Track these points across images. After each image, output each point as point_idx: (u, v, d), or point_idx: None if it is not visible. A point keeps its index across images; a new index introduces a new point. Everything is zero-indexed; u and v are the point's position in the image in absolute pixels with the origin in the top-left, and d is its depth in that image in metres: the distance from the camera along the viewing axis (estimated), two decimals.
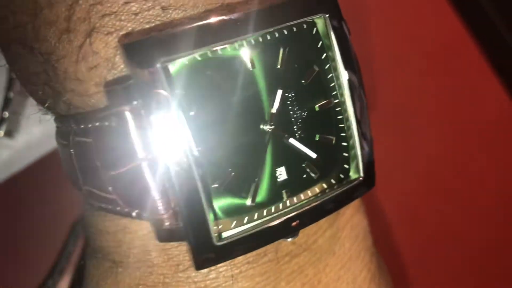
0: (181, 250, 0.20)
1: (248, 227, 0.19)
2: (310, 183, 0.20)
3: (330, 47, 0.19)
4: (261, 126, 0.18)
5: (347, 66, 0.19)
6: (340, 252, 0.23)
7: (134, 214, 0.19)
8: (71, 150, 0.19)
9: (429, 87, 0.43)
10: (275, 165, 0.19)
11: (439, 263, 0.44)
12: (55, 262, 0.34)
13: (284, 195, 0.19)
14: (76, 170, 0.20)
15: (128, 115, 0.17)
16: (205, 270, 0.20)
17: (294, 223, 0.19)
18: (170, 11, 0.17)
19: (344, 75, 0.19)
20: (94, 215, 0.21)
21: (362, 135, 0.20)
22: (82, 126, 0.18)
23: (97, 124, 0.18)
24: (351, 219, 0.24)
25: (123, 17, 0.17)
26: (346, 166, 0.20)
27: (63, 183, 0.35)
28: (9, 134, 0.35)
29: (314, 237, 0.22)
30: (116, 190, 0.18)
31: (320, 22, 0.19)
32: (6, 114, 0.34)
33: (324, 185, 0.20)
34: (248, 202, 0.19)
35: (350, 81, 0.19)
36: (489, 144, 0.44)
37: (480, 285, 0.44)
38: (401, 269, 0.42)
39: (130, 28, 0.17)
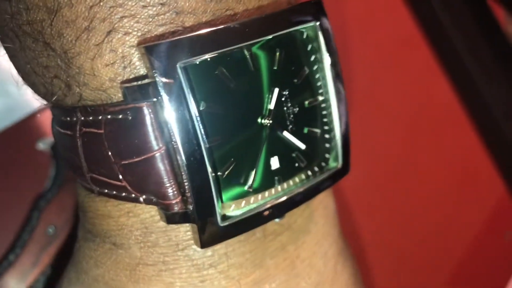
0: (179, 231, 0.22)
1: (246, 210, 0.21)
2: (298, 171, 0.22)
3: (318, 50, 0.22)
4: (259, 120, 0.21)
5: (332, 66, 0.22)
6: (315, 229, 0.26)
7: (141, 199, 0.20)
8: (78, 140, 0.20)
9: (381, 83, 0.46)
10: (269, 155, 0.21)
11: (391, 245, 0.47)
12: (16, 237, 0.33)
13: (276, 182, 0.22)
14: (81, 159, 0.21)
15: (145, 110, 0.18)
16: (203, 249, 0.22)
17: (283, 206, 0.22)
18: (183, 16, 0.19)
19: (328, 74, 0.22)
20: (94, 200, 0.23)
21: (341, 128, 0.23)
22: (92, 118, 0.20)
23: (110, 116, 0.19)
24: (323, 200, 0.27)
25: (140, 19, 0.18)
26: (327, 155, 0.23)
27: (25, 160, 0.34)
28: None
29: (294, 217, 0.24)
30: (127, 177, 0.20)
31: (310, 27, 0.22)
32: None
33: (309, 172, 0.23)
34: (246, 188, 0.21)
35: (334, 80, 0.22)
36: (436, 136, 0.48)
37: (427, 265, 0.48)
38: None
39: (146, 30, 0.18)
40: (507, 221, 0.49)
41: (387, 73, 0.46)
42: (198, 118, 0.19)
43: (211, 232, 0.20)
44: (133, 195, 0.20)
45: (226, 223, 0.20)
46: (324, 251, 0.26)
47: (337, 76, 0.22)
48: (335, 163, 0.23)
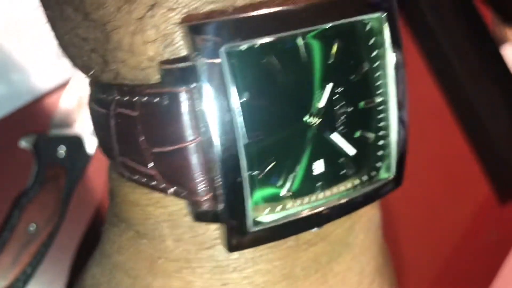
0: (208, 229, 0.20)
1: (281, 216, 0.19)
2: (344, 178, 0.20)
3: (381, 45, 0.19)
4: (306, 119, 0.19)
5: (397, 66, 0.19)
6: (354, 243, 0.24)
7: (171, 191, 0.19)
8: (111, 120, 0.19)
9: None
10: (314, 157, 0.19)
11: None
12: None
13: (319, 188, 0.20)
14: (113, 141, 0.20)
15: (183, 96, 0.17)
16: None
17: (322, 216, 0.20)
18: None
19: (391, 74, 0.19)
20: (124, 185, 0.21)
21: (399, 135, 0.20)
22: (127, 98, 0.18)
23: (145, 99, 0.18)
24: (368, 212, 0.24)
25: None
26: (379, 164, 0.21)
27: (8, 157, 0.34)
28: None
29: (332, 227, 0.22)
30: (157, 166, 0.18)
31: (375, 19, 0.19)
32: None
33: (356, 181, 0.20)
34: (284, 191, 0.19)
35: (397, 80, 0.20)
36: (422, 136, 0.47)
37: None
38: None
39: (193, 7, 0.17)
40: (492, 221, 0.49)
41: None
42: (239, 110, 0.17)
43: (241, 236, 0.18)
44: (162, 185, 0.19)
45: (257, 228, 0.18)
46: (361, 268, 0.24)
47: (401, 76, 0.19)
48: (386, 174, 0.21)
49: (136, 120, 0.18)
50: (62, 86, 0.37)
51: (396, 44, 0.19)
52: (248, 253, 0.20)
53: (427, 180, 0.47)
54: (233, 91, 0.16)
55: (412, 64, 0.46)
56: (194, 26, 0.16)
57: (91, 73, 0.19)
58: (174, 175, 0.18)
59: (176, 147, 0.17)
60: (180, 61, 0.17)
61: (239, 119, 0.17)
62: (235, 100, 0.16)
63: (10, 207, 0.34)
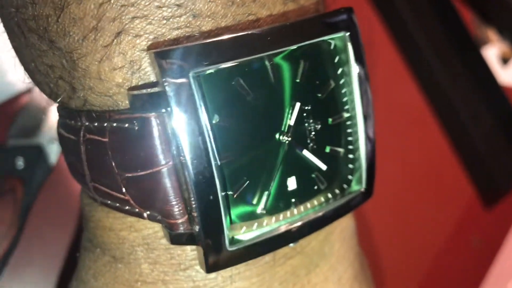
0: (183, 250, 0.20)
1: (258, 234, 0.19)
2: (317, 193, 0.20)
3: (346, 63, 0.20)
4: (278, 137, 0.19)
5: (360, 80, 0.20)
6: (329, 253, 0.24)
7: (145, 215, 0.19)
8: (81, 146, 0.19)
9: None
10: (287, 174, 0.19)
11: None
12: None
13: (293, 204, 0.20)
14: (84, 166, 0.20)
15: (153, 121, 0.17)
16: None
17: (298, 231, 0.20)
18: (201, 19, 0.17)
19: (356, 90, 0.20)
20: (96, 210, 0.21)
21: (367, 148, 0.21)
22: (96, 124, 0.18)
23: (115, 124, 0.18)
24: (342, 222, 0.25)
25: (153, 21, 0.16)
26: (350, 177, 0.21)
27: None
28: None
29: (308, 240, 0.23)
30: (130, 191, 0.18)
31: (338, 37, 0.20)
32: None
33: (329, 195, 0.21)
34: (259, 209, 0.19)
35: (361, 95, 0.20)
36: (404, 141, 0.47)
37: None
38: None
39: (159, 33, 0.17)
40: (475, 227, 0.49)
41: None
42: (210, 133, 0.17)
43: (218, 256, 0.18)
44: (136, 210, 0.19)
45: (235, 248, 0.18)
46: (338, 277, 0.24)
47: (365, 92, 0.20)
48: (358, 186, 0.21)
49: (106, 146, 0.18)
50: (23, 94, 0.35)
51: (359, 60, 0.20)
52: (225, 271, 0.20)
53: (410, 185, 0.47)
54: (202, 114, 0.16)
55: (392, 69, 0.46)
56: (160, 52, 0.16)
57: (59, 99, 0.19)
58: (148, 199, 0.18)
59: (148, 171, 0.17)
60: (149, 87, 0.17)
61: (211, 142, 0.17)
62: (206, 123, 0.17)
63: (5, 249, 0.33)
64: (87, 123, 0.19)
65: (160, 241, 0.20)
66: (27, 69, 0.20)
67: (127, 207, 0.19)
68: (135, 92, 0.17)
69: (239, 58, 0.17)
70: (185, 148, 0.16)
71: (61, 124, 0.21)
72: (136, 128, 0.17)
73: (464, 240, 0.49)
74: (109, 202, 0.20)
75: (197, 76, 0.16)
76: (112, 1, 0.16)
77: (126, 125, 0.17)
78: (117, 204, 0.19)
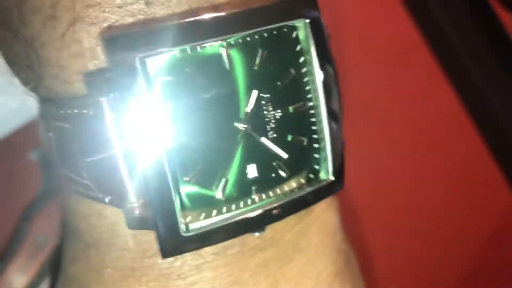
0: (150, 237, 0.20)
1: (217, 220, 0.19)
2: (279, 181, 0.20)
3: (308, 51, 0.20)
4: (235, 124, 0.19)
5: (323, 70, 0.20)
6: (307, 247, 0.24)
7: (107, 200, 0.19)
8: (50, 133, 0.20)
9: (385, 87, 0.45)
10: (246, 161, 0.20)
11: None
12: (6, 246, 0.34)
13: (253, 191, 0.20)
14: (54, 153, 0.20)
15: (105, 105, 0.17)
16: (171, 258, 0.20)
17: (260, 219, 0.20)
18: (154, 6, 0.17)
19: (319, 79, 0.20)
20: (70, 197, 0.22)
21: (333, 138, 0.21)
22: (62, 112, 0.19)
23: (76, 111, 0.18)
24: (321, 216, 0.25)
25: (107, 9, 0.17)
26: (316, 166, 0.21)
27: (18, 169, 0.35)
28: None
29: (281, 232, 0.23)
30: (91, 176, 0.19)
31: (301, 26, 0.20)
32: None
33: (294, 184, 0.21)
34: (217, 195, 0.19)
35: (324, 85, 0.20)
36: (441, 143, 0.46)
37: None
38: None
39: (113, 20, 0.17)
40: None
41: (387, 79, 0.45)
42: (158, 117, 0.17)
43: (173, 242, 0.18)
44: (99, 195, 0.19)
45: (190, 233, 0.18)
46: (317, 272, 0.24)
47: (328, 81, 0.20)
48: (326, 176, 0.21)
49: (69, 132, 0.19)
50: None
51: (322, 49, 0.20)
52: (191, 260, 0.21)
53: (447, 189, 0.46)
54: (150, 99, 0.17)
55: (427, 70, 0.46)
56: (108, 37, 0.16)
57: (29, 88, 0.20)
58: (105, 184, 0.19)
59: (103, 155, 0.18)
60: (102, 73, 0.17)
61: (160, 126, 0.17)
62: (153, 108, 0.17)
63: (18, 219, 0.35)
64: (54, 111, 0.19)
65: (127, 228, 0.20)
66: (7, 62, 0.22)
67: (91, 193, 0.20)
68: (90, 79, 0.17)
69: (186, 44, 0.17)
70: (133, 132, 0.17)
71: (38, 113, 0.22)
72: (91, 113, 0.18)
73: (502, 242, 0.47)
74: (78, 188, 0.20)
75: (143, 61, 0.17)
76: None
77: (84, 110, 0.18)
78: (83, 190, 0.20)
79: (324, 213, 0.25)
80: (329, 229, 0.25)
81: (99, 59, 0.18)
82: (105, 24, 0.17)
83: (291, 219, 0.23)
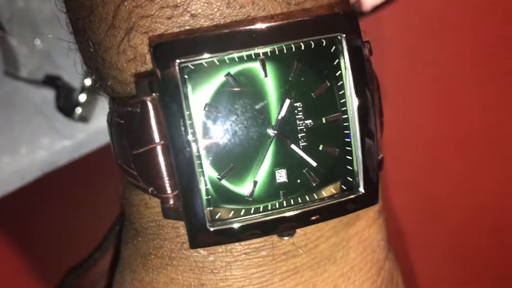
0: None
1: (244, 219, 0.20)
2: (308, 189, 0.21)
3: (346, 66, 0.20)
4: (267, 130, 0.20)
5: (358, 89, 0.20)
6: (342, 261, 0.24)
7: (149, 190, 0.21)
8: (111, 128, 0.23)
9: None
10: (275, 166, 0.21)
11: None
12: (102, 239, 0.37)
13: (281, 195, 0.21)
14: (113, 145, 0.23)
15: (149, 104, 0.19)
16: (205, 253, 0.22)
17: (286, 223, 0.21)
18: (199, 19, 0.19)
19: (354, 97, 0.20)
20: (126, 187, 0.25)
21: (366, 153, 0.21)
22: (119, 109, 0.22)
23: (129, 109, 0.21)
24: (361, 232, 0.24)
25: (158, 20, 0.19)
26: (349, 178, 0.21)
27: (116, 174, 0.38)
28: (83, 119, 0.38)
29: (316, 242, 0.23)
30: (137, 167, 0.21)
31: (337, 40, 0.20)
32: (83, 97, 0.38)
33: (324, 193, 0.21)
34: (246, 196, 0.21)
35: (359, 103, 0.20)
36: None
37: None
38: None
39: (162, 30, 0.20)
40: None
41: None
42: (192, 117, 0.19)
43: (200, 234, 0.20)
44: (144, 186, 0.22)
45: (216, 228, 0.20)
46: (352, 287, 0.24)
47: (362, 97, 0.20)
48: (357, 189, 0.21)
49: (122, 127, 0.21)
50: None
51: (357, 65, 0.20)
52: (224, 257, 0.22)
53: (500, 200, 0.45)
54: (185, 101, 0.19)
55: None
56: (154, 45, 0.19)
57: (98, 86, 0.23)
58: (147, 175, 0.21)
59: (145, 148, 0.20)
60: (148, 75, 0.20)
61: (191, 126, 0.19)
62: (188, 109, 0.19)
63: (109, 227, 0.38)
64: (114, 108, 0.22)
65: (163, 217, 0.22)
66: (83, 61, 0.25)
67: (139, 183, 0.22)
68: (139, 80, 0.20)
69: (224, 52, 0.19)
70: (169, 128, 0.19)
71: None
72: (139, 110, 0.20)
73: None
74: (129, 178, 0.23)
75: (183, 66, 0.19)
76: (126, 3, 0.20)
77: (134, 108, 0.20)
78: (133, 181, 0.22)
79: (367, 229, 0.25)
80: (370, 246, 0.25)
81: (148, 63, 0.20)
82: (156, 34, 0.20)
83: (327, 230, 0.23)
